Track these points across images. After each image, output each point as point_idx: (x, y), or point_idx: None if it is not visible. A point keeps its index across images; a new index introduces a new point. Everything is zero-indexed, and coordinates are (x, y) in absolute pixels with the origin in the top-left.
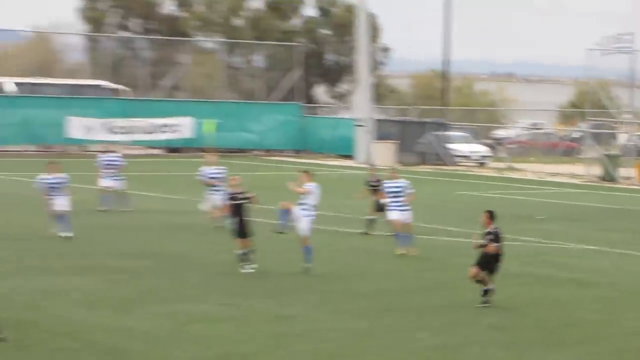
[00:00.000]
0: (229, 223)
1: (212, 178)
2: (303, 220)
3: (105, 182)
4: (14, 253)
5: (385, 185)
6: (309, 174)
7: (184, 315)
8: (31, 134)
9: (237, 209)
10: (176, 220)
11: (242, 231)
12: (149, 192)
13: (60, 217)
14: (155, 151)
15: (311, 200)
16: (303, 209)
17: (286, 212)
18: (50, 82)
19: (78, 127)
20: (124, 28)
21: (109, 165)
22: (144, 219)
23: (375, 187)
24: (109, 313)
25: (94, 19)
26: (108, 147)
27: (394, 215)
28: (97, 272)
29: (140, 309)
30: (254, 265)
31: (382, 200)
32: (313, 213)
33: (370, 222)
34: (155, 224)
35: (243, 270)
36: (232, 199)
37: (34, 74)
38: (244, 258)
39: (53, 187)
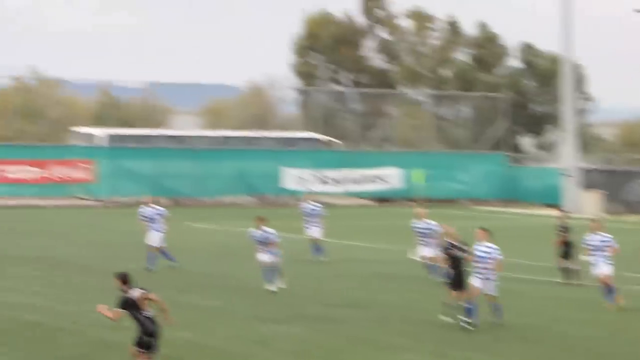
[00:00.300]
0: (443, 274)
1: (421, 233)
2: (484, 284)
3: (308, 231)
4: (226, 303)
5: (588, 239)
6: (485, 231)
7: None
8: (247, 184)
9: (452, 261)
10: (384, 269)
11: (457, 283)
12: (358, 242)
13: (267, 270)
14: (365, 201)
15: (487, 262)
16: (478, 275)
17: (473, 303)
18: (265, 135)
19: (292, 178)
20: (335, 82)
21: (310, 214)
22: (351, 267)
23: (563, 233)
24: None
25: (306, 73)
26: (308, 196)
27: (598, 269)
28: (305, 321)
29: (348, 359)
30: (467, 320)
31: (584, 257)
32: (491, 275)
33: (565, 271)
34: (362, 272)
35: (444, 318)
36: (448, 250)
37: (250, 127)
38: (455, 309)
39: (261, 242)
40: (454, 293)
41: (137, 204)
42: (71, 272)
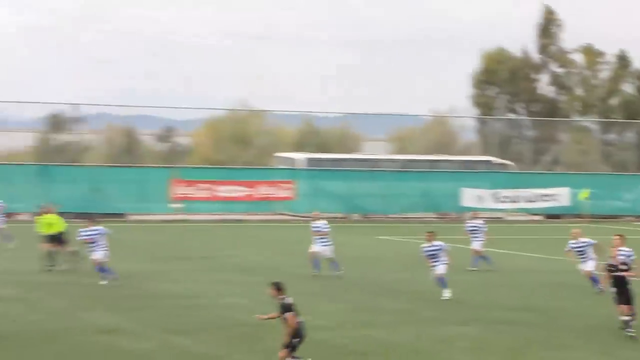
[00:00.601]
0: (609, 291)
1: (578, 251)
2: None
3: (472, 245)
4: (410, 306)
5: None
6: (621, 237)
7: None
8: (430, 203)
9: (616, 280)
10: (554, 278)
11: (623, 298)
12: (529, 253)
13: (439, 279)
14: (536, 217)
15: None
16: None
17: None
18: (447, 159)
19: (470, 197)
20: (510, 110)
21: (473, 230)
22: (522, 276)
23: None
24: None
25: (483, 103)
26: (473, 214)
27: None
28: (483, 323)
29: (524, 356)
30: (632, 332)
31: None
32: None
33: None
34: (533, 280)
35: (629, 334)
36: (612, 270)
37: (433, 151)
38: (627, 323)
39: (431, 254)
40: (622, 307)
41: (333, 219)
42: (274, 277)
